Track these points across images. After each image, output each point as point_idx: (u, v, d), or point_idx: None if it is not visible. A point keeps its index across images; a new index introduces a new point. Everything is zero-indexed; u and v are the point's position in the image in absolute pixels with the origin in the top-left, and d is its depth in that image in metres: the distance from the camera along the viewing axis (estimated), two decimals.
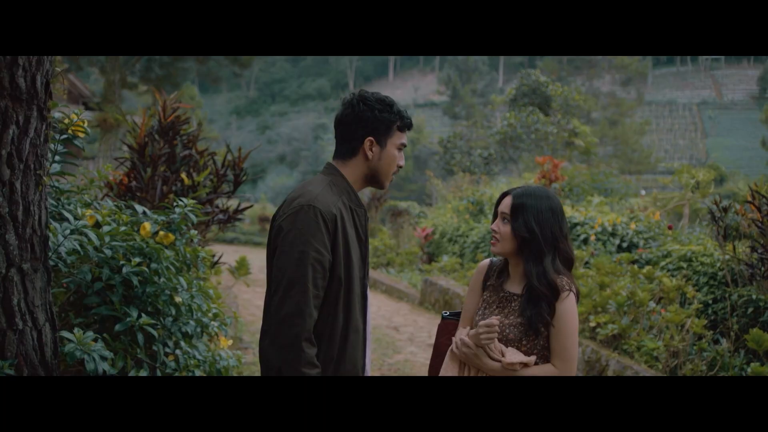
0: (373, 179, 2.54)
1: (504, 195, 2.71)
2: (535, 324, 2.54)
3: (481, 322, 2.53)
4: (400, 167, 2.56)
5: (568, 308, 2.55)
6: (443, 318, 2.88)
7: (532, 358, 2.54)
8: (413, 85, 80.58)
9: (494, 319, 2.52)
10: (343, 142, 2.52)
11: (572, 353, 2.54)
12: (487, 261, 2.85)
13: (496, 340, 2.55)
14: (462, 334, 2.65)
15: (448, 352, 2.69)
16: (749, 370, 4.97)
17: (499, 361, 2.52)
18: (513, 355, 2.53)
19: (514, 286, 2.68)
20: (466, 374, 2.61)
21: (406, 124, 2.53)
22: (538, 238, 2.57)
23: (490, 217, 13.36)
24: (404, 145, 2.54)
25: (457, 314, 2.86)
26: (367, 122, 2.45)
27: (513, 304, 2.64)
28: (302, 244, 2.27)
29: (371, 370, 6.66)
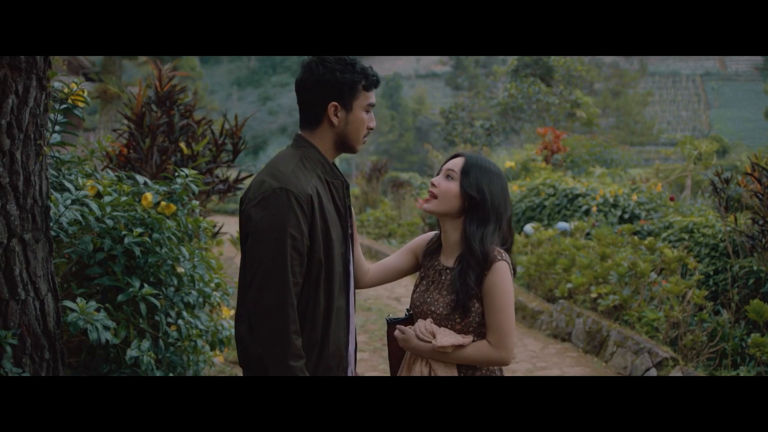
0: (343, 145, 2.37)
1: (455, 156, 2.52)
2: (463, 300, 2.36)
3: (420, 326, 2.42)
4: (371, 129, 2.39)
5: (499, 281, 2.34)
6: (389, 323, 2.63)
7: (467, 339, 2.37)
8: (415, 56, 79.96)
9: (429, 326, 2.39)
10: (305, 109, 2.35)
11: (507, 328, 2.34)
12: (432, 233, 2.66)
13: (426, 321, 2.42)
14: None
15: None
16: (749, 340, 4.99)
17: (429, 343, 2.37)
18: (444, 337, 2.35)
19: (447, 259, 2.50)
20: (411, 362, 2.47)
21: (372, 83, 2.33)
22: (487, 202, 2.40)
23: None
24: (372, 105, 2.36)
25: (402, 319, 2.61)
26: (328, 86, 2.27)
27: (444, 278, 2.46)
28: (276, 232, 2.12)
29: (364, 348, 6.70)
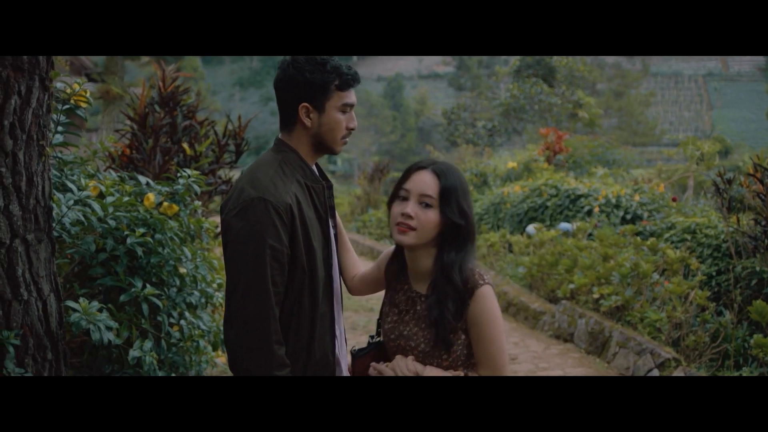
0: (321, 147, 2.30)
1: (417, 169, 2.22)
2: (444, 335, 2.11)
3: (401, 365, 2.18)
4: (351, 129, 2.30)
5: (485, 310, 2.10)
6: (354, 356, 2.39)
7: (458, 376, 2.14)
8: (417, 56, 79.98)
9: (412, 366, 2.15)
10: (281, 110, 2.30)
11: (500, 361, 2.12)
12: (393, 248, 2.42)
13: (407, 359, 2.19)
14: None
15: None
16: (752, 341, 4.98)
17: None
18: None
19: (419, 284, 2.26)
20: None
21: (346, 82, 2.24)
22: (470, 224, 2.17)
23: (494, 188, 13.41)
24: (350, 105, 2.27)
25: (369, 349, 2.39)
26: (298, 87, 2.21)
27: (420, 308, 2.21)
28: (255, 243, 2.08)
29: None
